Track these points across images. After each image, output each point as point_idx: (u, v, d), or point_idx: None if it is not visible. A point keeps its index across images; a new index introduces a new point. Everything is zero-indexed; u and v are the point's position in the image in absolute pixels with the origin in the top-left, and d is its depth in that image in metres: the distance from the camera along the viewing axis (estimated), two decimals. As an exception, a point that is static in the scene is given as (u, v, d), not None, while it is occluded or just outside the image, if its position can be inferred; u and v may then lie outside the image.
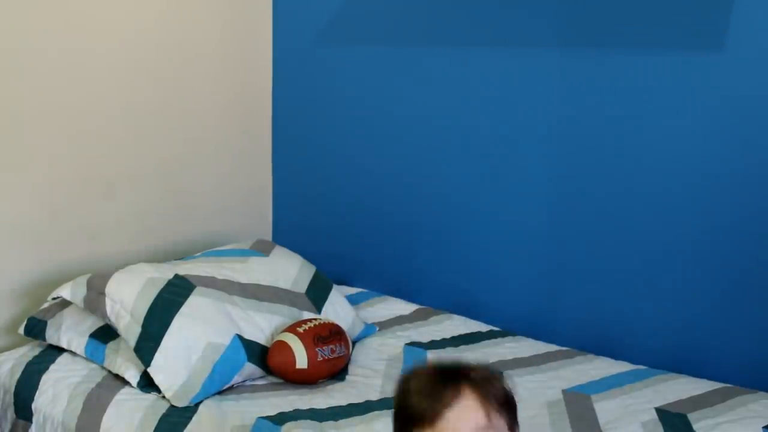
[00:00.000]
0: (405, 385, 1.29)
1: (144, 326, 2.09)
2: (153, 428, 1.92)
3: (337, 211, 2.93)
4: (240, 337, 2.16)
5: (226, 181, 2.91)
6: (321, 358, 2.15)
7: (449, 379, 1.24)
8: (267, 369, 2.17)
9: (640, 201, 2.29)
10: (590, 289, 2.40)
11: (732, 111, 2.13)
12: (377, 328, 2.49)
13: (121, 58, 2.55)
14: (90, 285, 2.21)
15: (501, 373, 1.31)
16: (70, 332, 2.22)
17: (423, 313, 2.59)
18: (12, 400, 2.17)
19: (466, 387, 1.23)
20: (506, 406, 1.26)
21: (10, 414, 2.17)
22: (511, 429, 1.25)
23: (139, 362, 2.08)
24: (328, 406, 2.00)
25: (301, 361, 2.12)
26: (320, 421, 1.91)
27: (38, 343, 2.30)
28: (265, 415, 1.93)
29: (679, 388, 2.10)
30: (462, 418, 1.21)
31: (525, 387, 2.08)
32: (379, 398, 2.06)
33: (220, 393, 2.08)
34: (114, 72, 2.54)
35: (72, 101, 2.45)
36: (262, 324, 2.25)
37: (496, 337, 2.43)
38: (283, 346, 2.14)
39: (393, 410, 1.31)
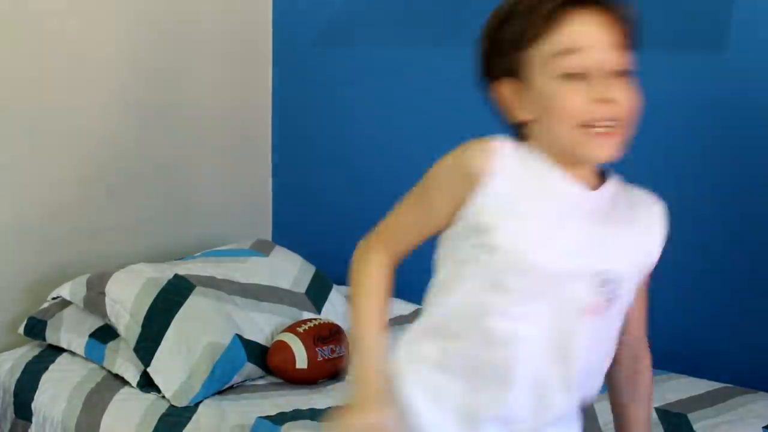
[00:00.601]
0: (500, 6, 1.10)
1: (144, 326, 2.09)
2: (152, 428, 1.92)
3: (336, 211, 2.93)
4: (240, 337, 2.16)
5: (226, 181, 2.91)
6: (321, 358, 2.14)
7: None
8: (267, 369, 2.17)
9: (640, 201, 2.28)
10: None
11: (732, 111, 2.12)
12: (377, 328, 2.49)
13: (121, 57, 2.55)
14: (90, 285, 2.21)
15: None
16: (70, 332, 2.22)
17: (423, 313, 2.59)
18: (11, 400, 2.16)
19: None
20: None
21: (10, 414, 2.17)
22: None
23: (139, 362, 2.07)
24: (327, 407, 2.00)
25: (301, 361, 2.12)
26: (320, 421, 1.91)
27: (38, 343, 2.29)
28: (264, 415, 1.92)
29: (679, 388, 2.10)
30: (588, 27, 1.05)
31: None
32: (379, 398, 2.05)
33: (219, 393, 2.07)
34: (114, 72, 2.54)
35: (72, 101, 2.45)
36: (261, 324, 2.25)
37: (496, 337, 2.42)
38: (283, 346, 2.14)
39: (480, 46, 1.15)
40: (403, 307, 2.63)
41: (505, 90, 1.15)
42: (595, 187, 1.16)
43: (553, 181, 1.13)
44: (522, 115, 1.14)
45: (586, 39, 1.05)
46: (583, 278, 1.12)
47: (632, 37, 1.10)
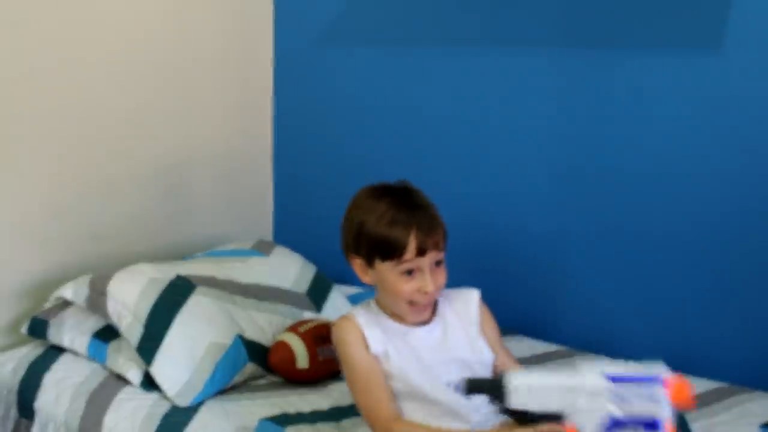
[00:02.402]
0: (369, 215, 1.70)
1: (146, 326, 2.10)
2: (155, 428, 1.93)
3: (338, 211, 2.91)
4: (241, 337, 2.17)
5: (227, 181, 2.92)
6: (322, 358, 2.15)
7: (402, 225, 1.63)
8: (268, 369, 2.18)
9: (640, 200, 2.29)
10: (590, 289, 2.41)
11: (731, 110, 2.13)
12: (377, 328, 2.50)
13: (123, 58, 2.55)
14: (92, 285, 2.22)
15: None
16: (73, 332, 2.23)
17: (423, 312, 2.59)
18: (15, 400, 2.18)
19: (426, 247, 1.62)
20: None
21: (13, 413, 2.18)
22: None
23: (141, 362, 2.08)
24: (329, 407, 2.00)
25: (302, 360, 2.13)
26: (322, 421, 1.92)
27: (40, 342, 2.30)
28: (267, 415, 1.93)
29: (677, 387, 2.10)
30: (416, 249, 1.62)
31: (524, 386, 2.08)
32: (379, 398, 2.06)
33: (221, 393, 2.08)
34: (115, 72, 2.54)
35: (74, 102, 2.46)
36: (263, 324, 2.26)
37: (495, 337, 2.43)
38: (284, 345, 2.15)
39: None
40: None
41: (357, 264, 1.71)
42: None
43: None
44: (367, 281, 1.70)
45: (418, 261, 1.63)
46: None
47: (445, 237, 1.67)
